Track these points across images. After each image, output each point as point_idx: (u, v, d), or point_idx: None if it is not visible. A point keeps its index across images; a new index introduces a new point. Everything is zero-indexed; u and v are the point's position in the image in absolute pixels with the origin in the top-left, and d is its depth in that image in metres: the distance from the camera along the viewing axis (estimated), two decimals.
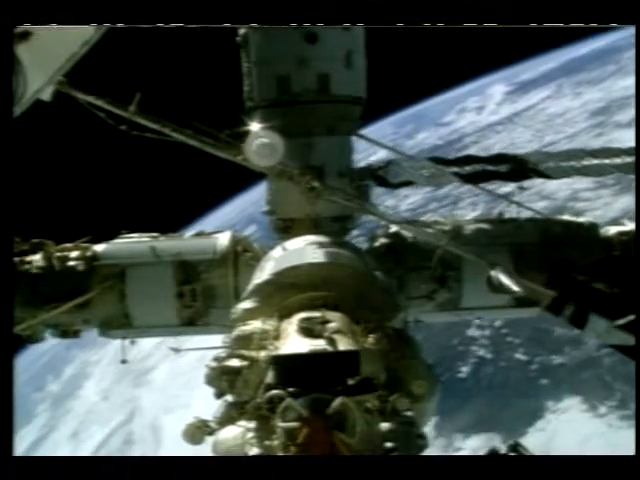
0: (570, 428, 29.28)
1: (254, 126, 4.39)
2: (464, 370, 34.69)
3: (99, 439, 47.24)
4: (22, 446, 48.38)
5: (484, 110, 70.87)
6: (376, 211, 5.58)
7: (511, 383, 33.46)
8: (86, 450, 45.85)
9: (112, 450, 44.06)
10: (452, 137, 65.98)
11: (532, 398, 31.64)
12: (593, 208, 36.30)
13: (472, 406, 32.58)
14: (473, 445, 30.53)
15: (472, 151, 58.23)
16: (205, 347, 4.74)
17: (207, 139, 4.35)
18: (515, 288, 4.87)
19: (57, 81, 3.82)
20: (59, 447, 48.75)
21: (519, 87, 75.21)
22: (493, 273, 5.04)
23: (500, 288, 5.08)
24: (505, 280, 4.93)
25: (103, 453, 44.17)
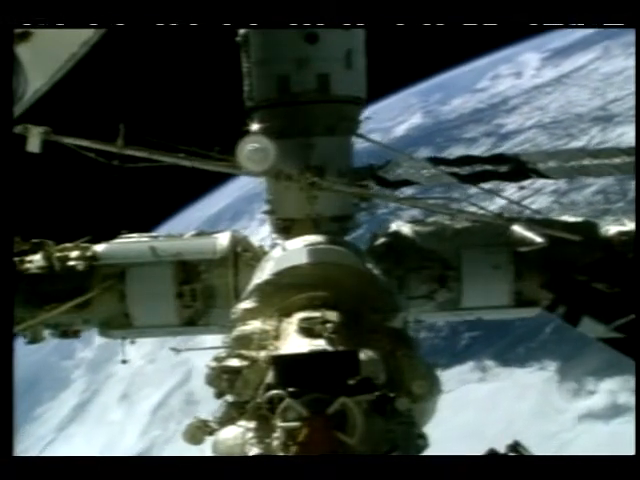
0: None
1: (250, 129, 4.39)
2: None
3: (155, 400, 47.60)
4: (64, 410, 48.99)
5: (523, 75, 69.74)
6: (379, 193, 5.59)
7: None
8: (142, 410, 46.71)
9: (174, 410, 44.72)
10: (494, 100, 65.02)
11: None
12: None
13: (593, 352, 30.58)
14: (609, 387, 29.64)
15: (524, 110, 57.58)
16: (205, 347, 4.73)
17: (199, 158, 4.35)
18: (538, 239, 4.97)
19: (43, 131, 3.94)
20: (109, 409, 49.17)
21: (555, 53, 73.10)
22: (515, 228, 5.16)
23: (522, 242, 5.19)
24: (527, 233, 5.06)
25: (163, 413, 45.43)
